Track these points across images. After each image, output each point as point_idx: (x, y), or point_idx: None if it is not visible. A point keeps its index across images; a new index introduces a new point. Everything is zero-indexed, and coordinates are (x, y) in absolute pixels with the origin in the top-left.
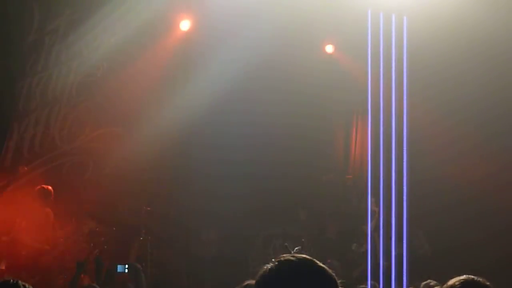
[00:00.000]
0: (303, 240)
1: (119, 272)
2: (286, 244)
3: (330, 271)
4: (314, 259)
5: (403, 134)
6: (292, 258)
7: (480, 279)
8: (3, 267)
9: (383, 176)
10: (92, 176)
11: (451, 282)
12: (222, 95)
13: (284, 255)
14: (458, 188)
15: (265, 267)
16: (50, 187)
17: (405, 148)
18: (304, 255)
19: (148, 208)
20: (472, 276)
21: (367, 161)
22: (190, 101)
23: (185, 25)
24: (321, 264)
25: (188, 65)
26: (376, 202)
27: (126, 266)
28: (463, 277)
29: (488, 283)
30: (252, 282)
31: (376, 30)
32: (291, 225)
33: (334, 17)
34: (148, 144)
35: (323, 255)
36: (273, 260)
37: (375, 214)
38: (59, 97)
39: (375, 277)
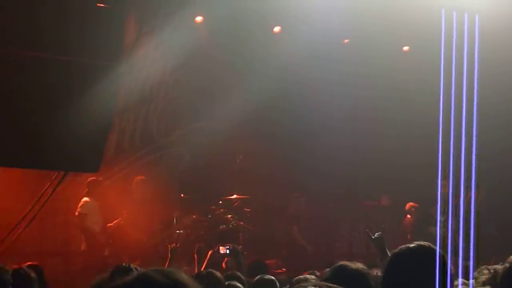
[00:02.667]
0: (383, 225)
1: (221, 254)
2: (367, 230)
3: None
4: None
5: (473, 126)
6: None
7: None
8: (85, 248)
9: (452, 165)
10: (188, 166)
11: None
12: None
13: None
14: None
15: (401, 247)
16: (146, 178)
17: (474, 139)
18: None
19: (237, 196)
20: None
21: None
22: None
23: (272, 25)
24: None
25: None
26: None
27: (228, 247)
28: None
29: None
30: (345, 263)
31: (450, 29)
32: (374, 210)
33: (409, 18)
34: (235, 134)
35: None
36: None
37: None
38: (156, 94)
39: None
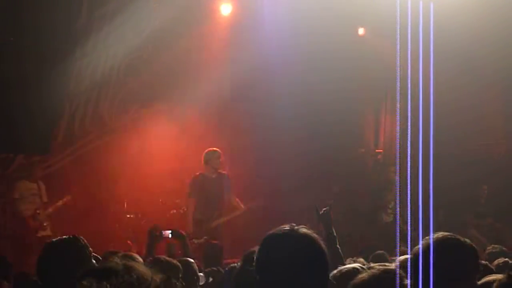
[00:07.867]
0: (331, 202)
1: (164, 238)
2: (316, 205)
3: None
4: None
5: (429, 109)
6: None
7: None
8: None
9: (410, 150)
10: (139, 151)
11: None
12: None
13: None
14: (480, 162)
15: None
16: None
17: (431, 123)
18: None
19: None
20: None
21: (396, 136)
22: (230, 77)
23: (225, 9)
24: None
25: (229, 44)
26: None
27: (170, 231)
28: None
29: None
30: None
31: (405, 15)
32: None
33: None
34: (190, 120)
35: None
36: None
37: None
38: (108, 78)
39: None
